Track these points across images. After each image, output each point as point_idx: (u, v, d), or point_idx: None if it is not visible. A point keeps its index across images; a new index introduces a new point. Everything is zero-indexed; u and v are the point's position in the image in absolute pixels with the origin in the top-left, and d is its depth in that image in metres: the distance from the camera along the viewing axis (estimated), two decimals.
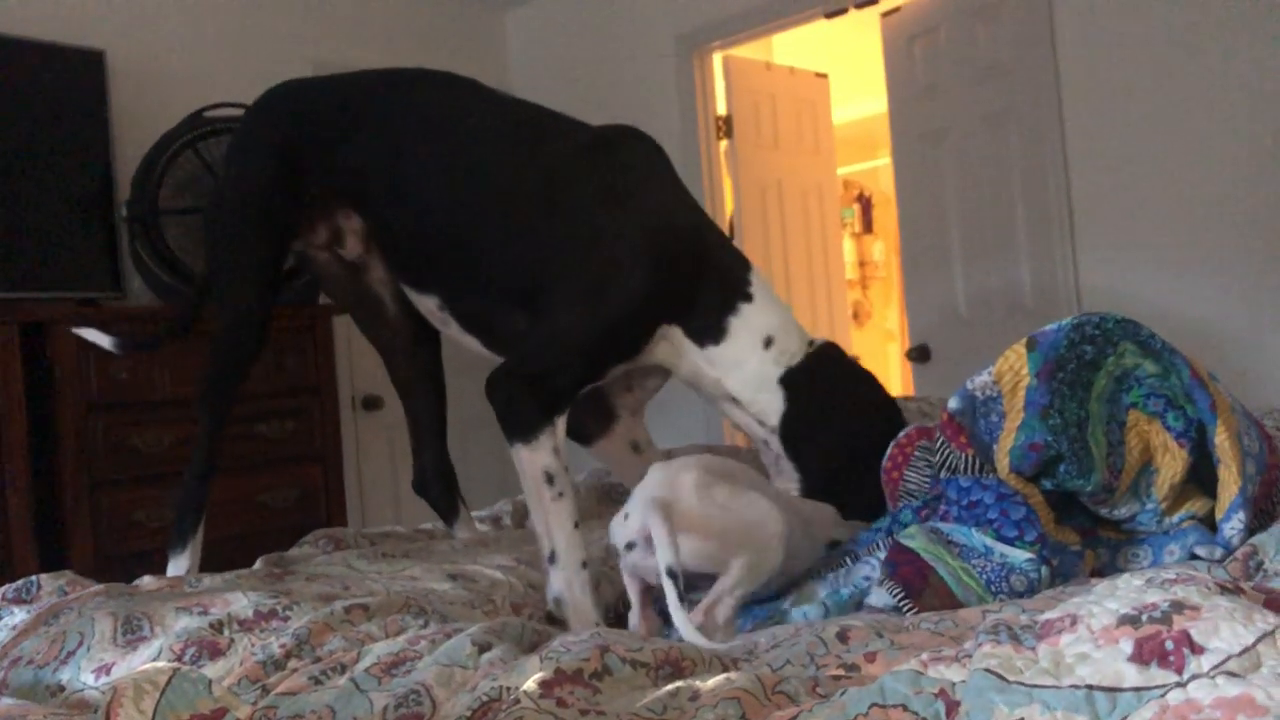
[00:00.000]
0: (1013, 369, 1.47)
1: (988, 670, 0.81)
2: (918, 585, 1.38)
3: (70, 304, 3.48)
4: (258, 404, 3.64)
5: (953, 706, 0.80)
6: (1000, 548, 1.40)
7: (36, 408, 3.23)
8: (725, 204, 4.79)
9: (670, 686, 1.01)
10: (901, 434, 1.74)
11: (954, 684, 0.82)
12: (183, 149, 3.62)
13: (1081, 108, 3.66)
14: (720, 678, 1.01)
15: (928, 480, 1.65)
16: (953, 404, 1.52)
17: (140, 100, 3.90)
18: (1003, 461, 1.44)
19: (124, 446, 3.34)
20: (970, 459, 1.48)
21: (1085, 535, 1.46)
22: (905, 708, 0.82)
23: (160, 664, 1.15)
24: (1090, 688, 0.77)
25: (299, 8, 4.54)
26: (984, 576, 1.38)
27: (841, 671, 1.05)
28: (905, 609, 1.36)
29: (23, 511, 3.14)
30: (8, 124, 3.46)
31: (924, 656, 0.88)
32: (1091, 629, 0.82)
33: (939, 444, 1.54)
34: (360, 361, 4.53)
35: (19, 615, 1.91)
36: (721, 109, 4.70)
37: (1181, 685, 0.74)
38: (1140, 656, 0.77)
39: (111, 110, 3.70)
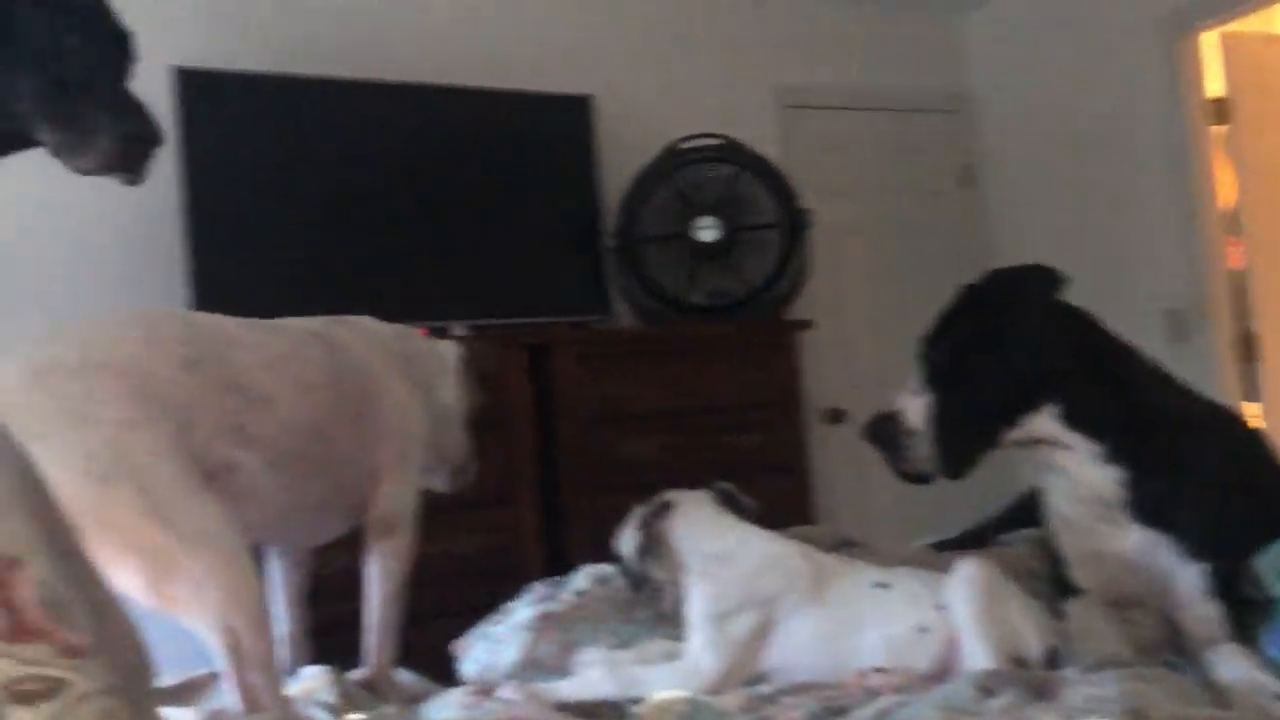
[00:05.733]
0: None
1: None
2: None
3: (565, 327, 3.84)
4: (726, 416, 3.80)
5: None
6: None
7: (540, 421, 3.61)
8: (1215, 195, 4.30)
9: None
10: None
11: None
12: (660, 180, 3.87)
13: None
14: None
15: None
16: None
17: (621, 137, 4.20)
18: None
19: (613, 456, 3.63)
20: None
21: None
22: None
23: (679, 693, 1.24)
24: None
25: (759, 36, 4.66)
26: None
27: None
28: None
29: (532, 513, 3.51)
30: (510, 167, 3.89)
31: None
32: None
33: None
34: (823, 376, 4.56)
35: (524, 612, 2.14)
36: (1215, 90, 4.24)
37: None
38: None
39: (597, 149, 4.04)
